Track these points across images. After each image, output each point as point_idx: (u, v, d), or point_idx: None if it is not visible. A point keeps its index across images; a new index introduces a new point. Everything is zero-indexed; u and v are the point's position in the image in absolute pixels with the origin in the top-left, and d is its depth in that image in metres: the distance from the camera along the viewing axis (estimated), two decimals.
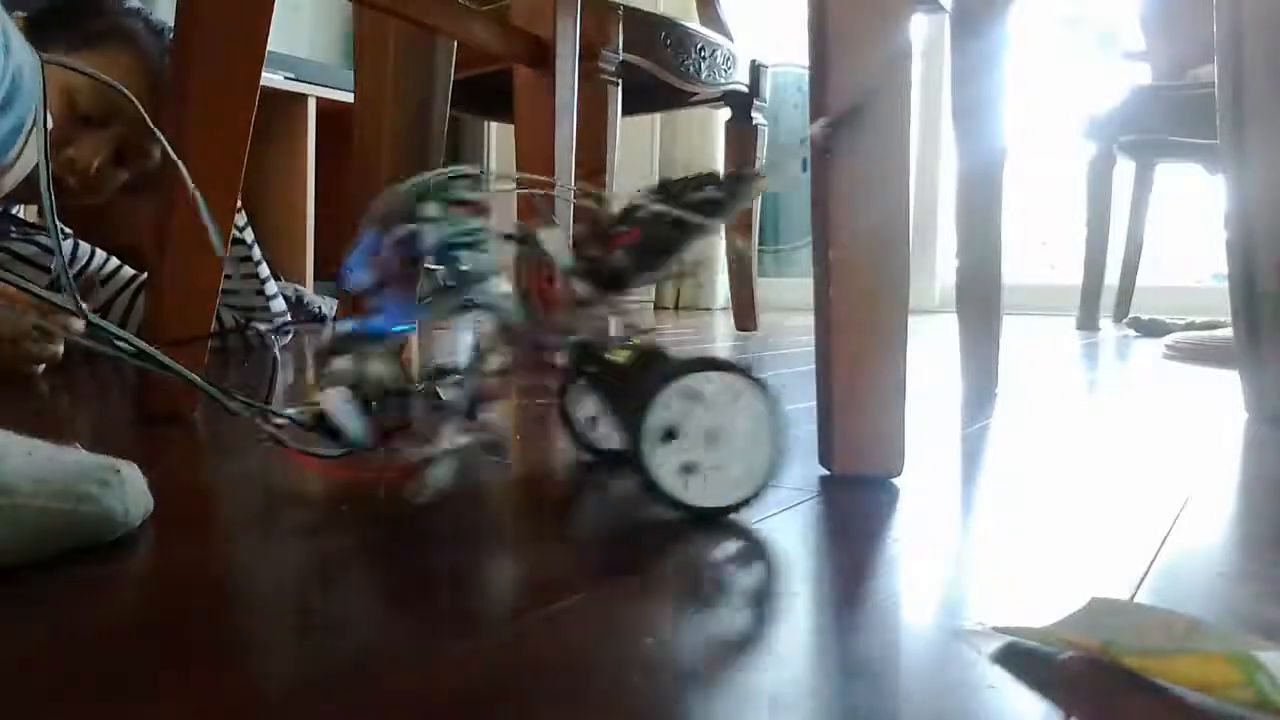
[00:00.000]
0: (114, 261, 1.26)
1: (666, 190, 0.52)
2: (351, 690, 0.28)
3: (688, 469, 0.46)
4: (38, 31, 1.15)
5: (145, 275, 1.24)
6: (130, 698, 0.27)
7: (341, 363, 0.47)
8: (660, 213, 0.49)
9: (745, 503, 0.47)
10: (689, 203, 0.49)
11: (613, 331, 0.51)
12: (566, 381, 0.58)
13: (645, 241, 0.49)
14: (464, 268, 0.47)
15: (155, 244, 0.72)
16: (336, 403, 0.47)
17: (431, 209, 0.48)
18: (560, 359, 0.52)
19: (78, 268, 1.18)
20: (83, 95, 1.15)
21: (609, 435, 0.60)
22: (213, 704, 0.27)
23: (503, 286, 0.48)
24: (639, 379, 0.47)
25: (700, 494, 0.46)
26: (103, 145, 1.17)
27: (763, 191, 0.53)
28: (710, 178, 0.50)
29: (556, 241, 0.50)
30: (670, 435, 0.46)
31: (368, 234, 0.49)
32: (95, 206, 1.30)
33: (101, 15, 1.19)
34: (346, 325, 0.48)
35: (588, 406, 0.60)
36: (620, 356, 0.48)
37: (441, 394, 0.47)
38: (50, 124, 0.47)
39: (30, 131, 0.48)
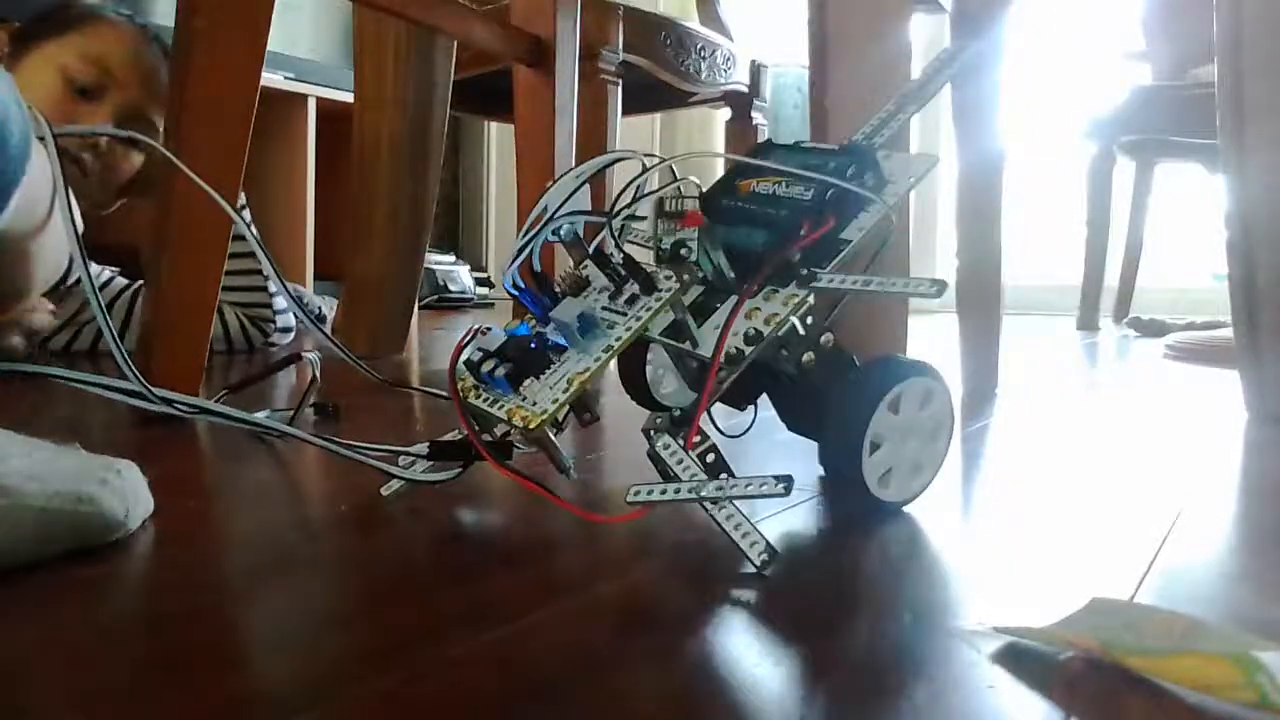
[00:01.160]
0: (107, 272, 1.27)
1: (788, 157, 0.49)
2: (352, 691, 0.28)
3: (887, 470, 0.48)
4: (23, 40, 1.18)
5: (138, 284, 1.25)
6: (129, 698, 0.27)
7: (537, 386, 0.43)
8: (812, 194, 0.46)
9: (923, 490, 0.49)
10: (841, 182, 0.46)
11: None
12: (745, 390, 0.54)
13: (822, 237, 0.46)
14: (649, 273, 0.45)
15: (154, 245, 0.72)
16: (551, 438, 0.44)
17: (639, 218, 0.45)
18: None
19: (71, 281, 1.19)
20: (76, 69, 1.16)
21: (674, 393, 0.59)
22: (213, 705, 0.27)
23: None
24: (843, 388, 0.47)
25: (893, 489, 0.48)
26: (105, 118, 1.18)
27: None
28: (852, 152, 0.48)
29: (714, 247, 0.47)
30: (876, 444, 0.47)
31: (538, 236, 0.45)
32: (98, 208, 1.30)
33: (75, 7, 1.24)
34: (499, 336, 0.44)
35: (658, 362, 0.58)
36: (811, 360, 0.46)
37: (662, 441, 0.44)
38: (51, 124, 0.47)
39: (53, 198, 0.47)
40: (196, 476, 0.57)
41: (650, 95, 1.82)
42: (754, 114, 1.98)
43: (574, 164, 1.22)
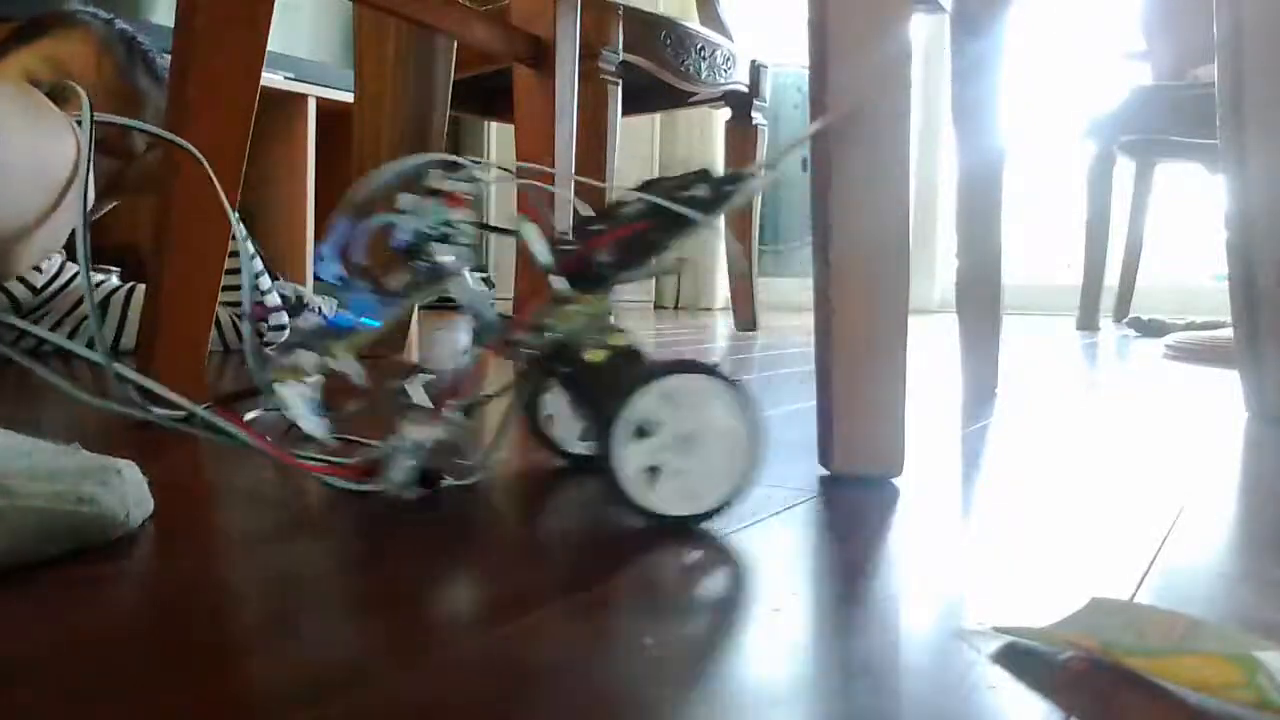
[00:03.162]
0: (98, 275, 1.27)
1: (656, 187, 0.50)
2: (352, 691, 0.28)
3: (658, 474, 0.44)
4: (3, 45, 1.20)
5: (130, 285, 1.25)
6: (128, 699, 0.27)
7: (305, 356, 0.45)
8: (646, 209, 0.47)
9: (715, 512, 0.45)
10: (677, 200, 0.47)
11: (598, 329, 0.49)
12: (537, 380, 0.54)
13: (629, 238, 0.47)
14: (438, 261, 0.45)
15: (154, 245, 0.72)
16: (292, 398, 0.45)
17: (407, 199, 0.45)
18: (529, 357, 0.48)
19: (59, 284, 1.19)
20: (37, 73, 1.17)
21: (569, 436, 0.58)
22: (212, 705, 0.27)
23: (476, 282, 0.47)
24: (614, 379, 0.45)
25: (669, 500, 0.44)
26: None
27: (761, 191, 0.49)
28: (701, 175, 0.48)
29: (536, 237, 0.48)
30: (643, 437, 0.44)
31: (343, 222, 0.46)
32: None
33: (54, 12, 1.25)
34: (312, 319, 0.47)
35: (548, 405, 0.58)
36: (596, 356, 0.46)
37: (410, 391, 0.45)
38: None
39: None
40: (197, 476, 0.57)
41: (650, 95, 1.82)
42: (754, 114, 1.98)
43: (573, 164, 1.22)
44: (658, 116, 3.31)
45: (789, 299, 3.20)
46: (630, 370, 0.45)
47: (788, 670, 0.30)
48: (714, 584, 0.39)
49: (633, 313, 2.86)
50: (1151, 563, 0.41)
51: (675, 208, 0.47)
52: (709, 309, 3.34)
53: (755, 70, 1.95)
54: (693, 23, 1.83)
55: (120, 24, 1.27)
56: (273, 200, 2.34)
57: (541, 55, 1.15)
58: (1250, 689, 0.26)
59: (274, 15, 0.75)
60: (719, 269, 3.26)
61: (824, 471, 0.57)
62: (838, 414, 0.56)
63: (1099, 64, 2.87)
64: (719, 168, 2.85)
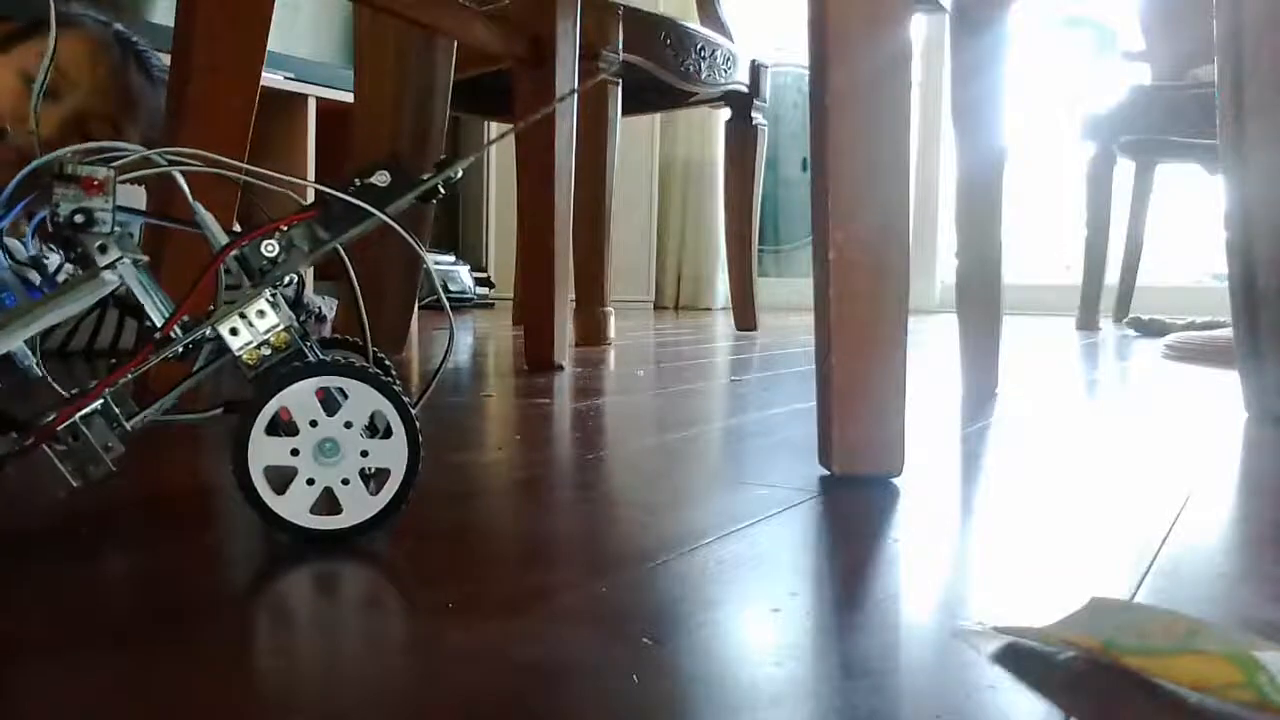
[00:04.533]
0: None
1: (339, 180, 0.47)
2: (347, 692, 0.28)
3: (295, 483, 0.41)
4: (4, 42, 1.20)
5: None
6: (133, 698, 0.27)
7: None
8: (321, 195, 0.45)
9: (364, 528, 0.42)
10: (351, 190, 0.44)
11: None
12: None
13: (292, 229, 0.45)
14: (88, 250, 0.43)
15: (151, 244, 0.72)
16: None
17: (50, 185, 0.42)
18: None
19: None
20: (31, 69, 1.18)
21: None
22: (214, 705, 0.27)
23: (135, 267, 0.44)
24: (260, 379, 0.42)
25: (305, 512, 0.41)
26: (58, 116, 1.19)
27: (452, 180, 0.45)
28: (384, 164, 0.45)
29: (212, 223, 0.46)
30: (279, 436, 0.41)
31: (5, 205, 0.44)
32: None
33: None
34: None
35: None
36: (251, 356, 0.43)
37: None
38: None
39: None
40: (195, 475, 0.57)
41: (650, 95, 1.82)
42: (754, 114, 1.98)
43: (573, 164, 1.22)
44: (658, 116, 3.31)
45: (789, 299, 3.20)
46: (274, 371, 0.42)
47: (787, 670, 0.30)
48: (712, 585, 0.39)
49: (633, 313, 2.86)
50: (1151, 563, 0.41)
51: (338, 195, 0.44)
52: (709, 309, 3.34)
53: (755, 70, 1.95)
54: (693, 23, 1.83)
55: (117, 25, 1.27)
56: (272, 200, 2.34)
57: (541, 55, 1.15)
58: (1250, 689, 0.26)
59: (274, 15, 0.75)
60: (719, 269, 3.26)
61: (824, 471, 0.57)
62: (838, 414, 0.56)
63: (1099, 64, 2.87)
64: (720, 167, 2.83)
